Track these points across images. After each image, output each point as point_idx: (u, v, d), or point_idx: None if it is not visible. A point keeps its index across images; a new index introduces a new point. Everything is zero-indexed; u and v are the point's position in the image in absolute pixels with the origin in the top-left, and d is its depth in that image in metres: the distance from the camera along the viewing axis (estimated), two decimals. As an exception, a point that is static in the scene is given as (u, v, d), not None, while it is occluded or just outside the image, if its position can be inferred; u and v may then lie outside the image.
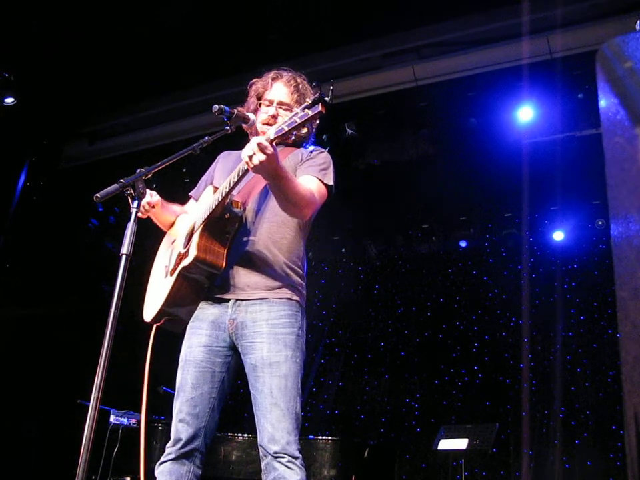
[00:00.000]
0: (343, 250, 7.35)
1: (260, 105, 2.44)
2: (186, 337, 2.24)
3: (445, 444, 4.87)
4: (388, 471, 5.41)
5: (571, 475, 5.51)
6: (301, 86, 2.45)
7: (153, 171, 1.99)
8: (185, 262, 2.12)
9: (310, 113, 1.91)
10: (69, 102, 5.83)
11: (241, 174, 2.04)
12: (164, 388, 4.80)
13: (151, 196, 2.25)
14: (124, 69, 5.40)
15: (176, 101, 5.91)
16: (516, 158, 5.39)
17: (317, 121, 1.96)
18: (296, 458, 2.01)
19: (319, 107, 1.90)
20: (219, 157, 2.59)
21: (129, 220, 1.83)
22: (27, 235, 6.36)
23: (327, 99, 1.94)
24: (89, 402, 1.59)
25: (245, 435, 4.69)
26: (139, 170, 1.90)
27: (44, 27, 4.99)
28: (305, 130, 1.99)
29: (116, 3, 4.80)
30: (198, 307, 2.25)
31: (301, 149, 2.46)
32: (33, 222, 6.42)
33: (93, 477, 4.52)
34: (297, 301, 2.22)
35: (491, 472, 5.67)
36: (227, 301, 2.19)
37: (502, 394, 6.08)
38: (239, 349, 2.17)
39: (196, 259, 2.08)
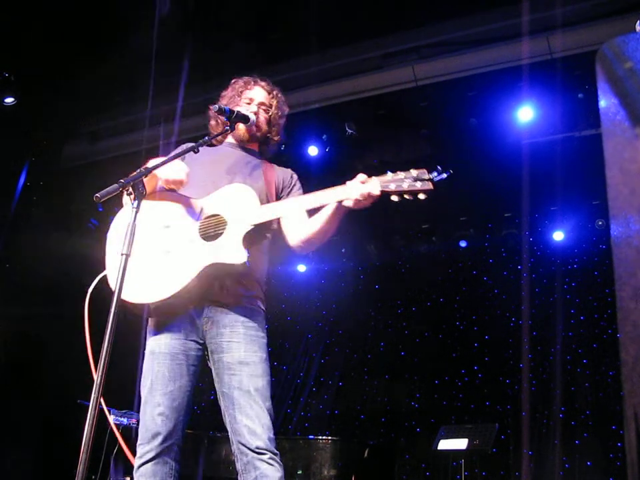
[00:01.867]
0: (343, 250, 7.35)
1: (239, 102, 2.52)
2: (156, 328, 2.20)
3: (445, 444, 4.87)
4: (388, 471, 5.41)
5: (571, 475, 5.51)
6: (279, 94, 2.62)
7: (153, 171, 1.99)
8: (226, 259, 2.12)
9: (418, 186, 2.14)
10: (69, 102, 5.83)
11: (325, 204, 2.16)
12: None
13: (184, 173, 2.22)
14: (124, 69, 5.39)
15: (176, 101, 5.90)
16: (516, 158, 5.39)
17: (422, 196, 2.23)
18: (276, 454, 2.05)
19: (430, 184, 2.14)
20: (186, 147, 2.45)
21: (129, 220, 1.83)
22: (27, 235, 6.36)
23: (436, 180, 2.16)
24: (89, 402, 1.59)
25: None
26: (139, 170, 1.90)
27: (44, 27, 4.99)
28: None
29: (116, 4, 4.80)
30: None
31: (281, 168, 2.57)
32: (33, 222, 6.42)
33: (93, 477, 4.52)
34: (264, 310, 2.32)
35: (490, 472, 5.67)
36: (205, 299, 2.20)
37: (502, 394, 6.08)
38: (210, 347, 2.19)
39: (245, 262, 2.11)
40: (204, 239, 2.19)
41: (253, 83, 2.57)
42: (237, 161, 2.46)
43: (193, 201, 2.29)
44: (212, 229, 2.21)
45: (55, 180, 6.65)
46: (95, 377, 1.63)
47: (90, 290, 1.85)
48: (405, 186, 2.11)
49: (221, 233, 2.18)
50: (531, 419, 5.77)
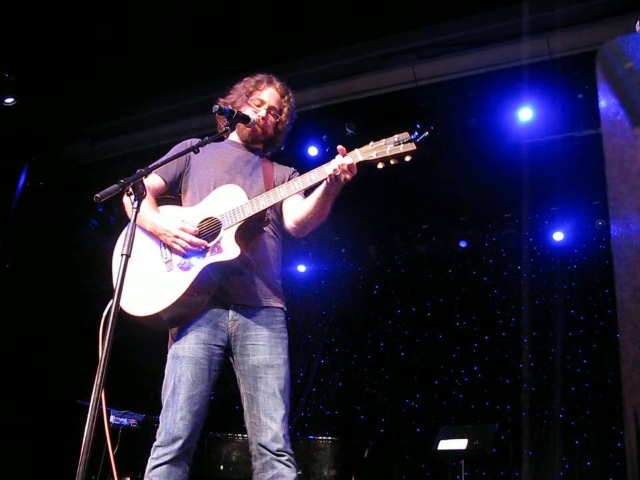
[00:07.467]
0: (343, 250, 7.35)
1: (248, 101, 2.47)
2: (180, 333, 2.21)
3: (445, 444, 4.87)
4: (388, 471, 5.41)
5: (571, 475, 5.51)
6: (292, 99, 2.55)
7: (153, 171, 1.99)
8: (222, 257, 2.12)
9: (401, 149, 2.01)
10: (69, 102, 5.83)
11: (311, 184, 2.13)
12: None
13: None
14: (124, 69, 5.40)
15: (176, 102, 5.91)
16: (516, 158, 5.38)
17: (408, 158, 2.05)
18: (292, 455, 2.12)
19: (413, 145, 2.01)
20: (190, 143, 2.45)
21: (129, 220, 1.83)
22: (27, 236, 6.36)
23: (418, 140, 2.03)
24: (89, 402, 1.59)
25: (245, 436, 4.67)
26: (138, 170, 1.90)
27: (44, 27, 4.99)
28: (383, 163, 2.07)
29: (116, 4, 4.80)
30: None
31: (281, 166, 2.55)
32: (33, 222, 6.42)
33: (93, 477, 4.52)
34: (284, 309, 2.34)
35: (490, 472, 5.67)
36: (229, 302, 2.24)
37: (502, 394, 6.08)
38: (236, 350, 2.21)
39: (240, 257, 2.11)
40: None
41: (266, 83, 2.50)
42: (238, 160, 2.46)
43: (188, 209, 2.33)
44: (208, 231, 2.22)
45: (54, 180, 6.65)
46: (96, 377, 1.63)
47: (105, 314, 1.84)
48: (388, 151, 2.03)
49: (217, 233, 2.19)
50: (530, 419, 5.77)
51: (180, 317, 2.20)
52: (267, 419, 2.11)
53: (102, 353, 1.65)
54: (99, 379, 1.62)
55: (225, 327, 2.21)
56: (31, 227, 6.40)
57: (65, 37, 5.09)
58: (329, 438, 4.83)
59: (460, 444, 4.75)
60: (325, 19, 4.85)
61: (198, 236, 2.21)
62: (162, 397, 2.17)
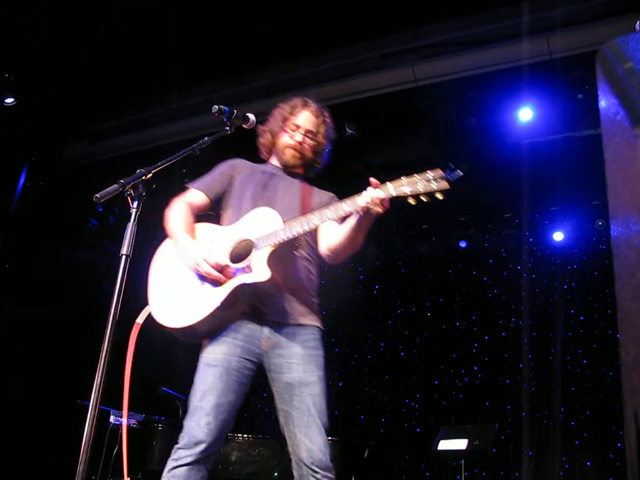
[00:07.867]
0: (342, 250, 7.34)
1: (284, 127, 2.51)
2: (216, 341, 2.24)
3: (445, 444, 4.87)
4: (388, 471, 5.41)
5: (570, 475, 5.51)
6: (328, 120, 2.58)
7: (153, 172, 1.99)
8: (252, 279, 2.15)
9: (434, 187, 2.03)
10: (69, 102, 5.83)
11: (343, 214, 2.14)
12: (164, 389, 4.80)
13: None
14: (124, 69, 5.40)
15: (176, 102, 5.91)
16: (516, 158, 5.39)
17: (440, 196, 2.10)
18: (329, 470, 2.14)
19: (445, 184, 2.02)
20: (234, 163, 2.57)
21: (129, 220, 1.83)
22: (26, 236, 6.36)
23: (452, 179, 2.04)
24: (89, 402, 1.59)
25: (245, 436, 4.68)
26: (139, 170, 1.90)
27: (44, 27, 4.99)
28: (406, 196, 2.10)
29: (116, 5, 4.80)
30: None
31: (320, 191, 2.57)
32: (33, 222, 6.42)
33: (93, 477, 4.52)
34: (319, 327, 2.39)
35: (490, 472, 5.67)
36: (264, 319, 2.27)
37: (502, 394, 6.08)
38: (270, 367, 2.25)
39: (270, 280, 2.14)
40: (235, 263, 2.24)
41: (300, 107, 2.53)
42: (277, 184, 2.49)
43: (225, 228, 2.38)
44: (242, 253, 2.26)
45: (54, 180, 6.65)
46: (96, 376, 1.63)
47: (140, 321, 1.83)
48: (420, 188, 2.07)
49: (249, 255, 2.23)
50: (530, 419, 5.77)
51: (214, 328, 2.24)
52: (302, 435, 2.14)
53: (103, 354, 1.65)
54: (98, 379, 1.62)
55: (259, 344, 2.24)
56: (30, 226, 6.40)
57: (64, 37, 5.09)
58: (329, 438, 4.80)
59: (460, 444, 4.75)
60: (325, 18, 4.85)
61: (231, 260, 2.23)
62: (189, 402, 2.19)
